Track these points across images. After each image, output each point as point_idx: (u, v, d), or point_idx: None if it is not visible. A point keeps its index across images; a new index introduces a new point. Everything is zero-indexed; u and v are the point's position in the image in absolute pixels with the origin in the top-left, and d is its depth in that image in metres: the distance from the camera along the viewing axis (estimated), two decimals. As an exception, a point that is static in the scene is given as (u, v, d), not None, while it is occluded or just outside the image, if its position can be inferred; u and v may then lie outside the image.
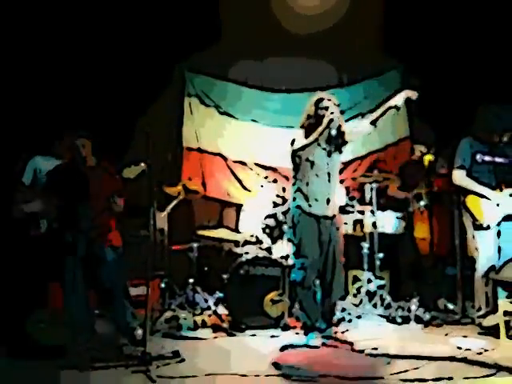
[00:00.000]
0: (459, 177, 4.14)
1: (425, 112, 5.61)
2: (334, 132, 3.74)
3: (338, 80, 6.27)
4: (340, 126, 3.77)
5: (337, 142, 3.82)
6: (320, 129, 3.66)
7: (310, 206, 3.73)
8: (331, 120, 3.65)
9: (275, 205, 4.88)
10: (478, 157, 4.12)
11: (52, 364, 3.09)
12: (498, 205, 3.99)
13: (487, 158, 4.13)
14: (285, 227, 4.62)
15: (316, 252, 3.70)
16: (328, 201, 3.76)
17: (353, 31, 5.52)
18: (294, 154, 3.78)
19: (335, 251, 3.76)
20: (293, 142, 3.81)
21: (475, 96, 4.80)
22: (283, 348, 3.53)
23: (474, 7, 5.19)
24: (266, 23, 5.54)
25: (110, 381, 2.93)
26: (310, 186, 3.75)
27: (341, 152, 3.90)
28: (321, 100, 3.79)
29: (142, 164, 3.59)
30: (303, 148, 3.71)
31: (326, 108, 3.71)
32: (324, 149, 3.78)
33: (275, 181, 5.15)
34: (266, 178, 5.39)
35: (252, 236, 4.83)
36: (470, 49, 5.35)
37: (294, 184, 3.85)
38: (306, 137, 3.74)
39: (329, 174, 3.79)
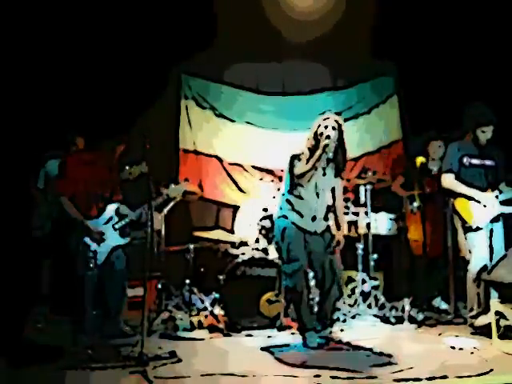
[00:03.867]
0: (448, 180, 4.20)
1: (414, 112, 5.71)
2: (330, 155, 3.84)
3: (332, 83, 6.31)
4: (337, 149, 3.84)
5: (335, 163, 3.88)
6: (317, 155, 3.72)
7: (296, 218, 3.79)
8: (326, 145, 3.72)
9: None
10: (465, 160, 4.18)
11: (50, 364, 3.11)
12: (485, 206, 4.05)
13: (474, 161, 4.19)
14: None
15: (303, 256, 3.75)
16: (314, 218, 3.81)
17: (347, 35, 5.55)
18: (294, 176, 3.80)
19: (332, 261, 3.79)
20: (293, 158, 3.82)
21: (460, 96, 4.86)
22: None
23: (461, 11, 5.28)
24: (261, 26, 5.56)
25: (107, 381, 2.94)
26: (299, 201, 3.81)
27: (341, 178, 3.97)
28: (321, 124, 3.82)
29: (144, 164, 3.63)
30: (303, 175, 3.75)
31: (321, 134, 3.76)
32: (320, 168, 3.83)
33: (273, 181, 5.18)
34: (261, 179, 5.41)
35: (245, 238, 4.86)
36: (457, 51, 5.41)
37: (283, 194, 3.90)
38: (308, 158, 3.78)
39: (322, 190, 3.84)
